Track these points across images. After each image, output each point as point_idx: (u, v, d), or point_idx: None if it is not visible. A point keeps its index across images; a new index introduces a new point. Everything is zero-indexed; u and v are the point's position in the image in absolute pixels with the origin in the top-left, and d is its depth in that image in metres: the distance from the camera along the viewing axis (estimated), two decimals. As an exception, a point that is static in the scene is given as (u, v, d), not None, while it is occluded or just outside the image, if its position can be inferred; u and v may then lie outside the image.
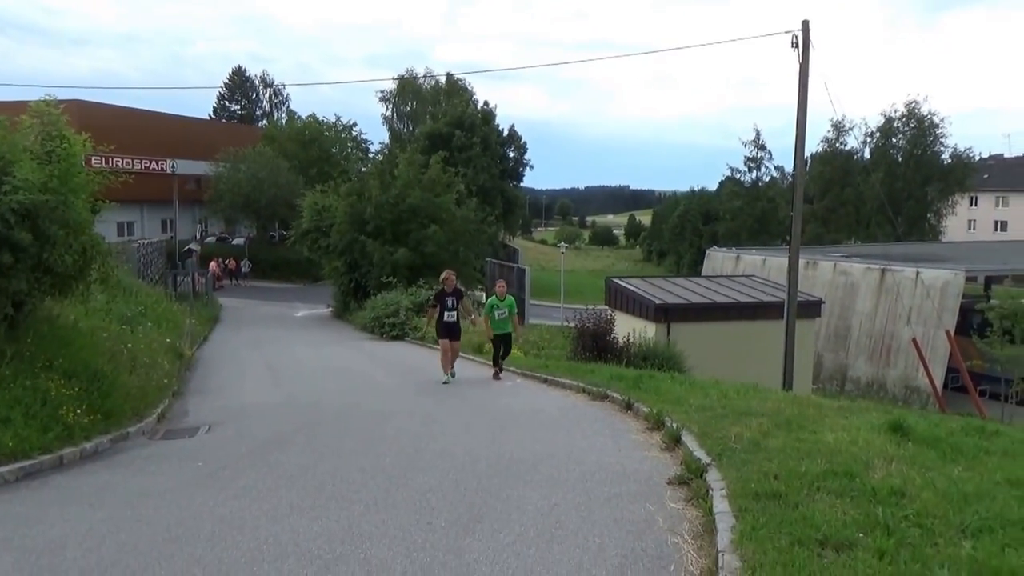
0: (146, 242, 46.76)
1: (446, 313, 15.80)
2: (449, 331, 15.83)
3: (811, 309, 26.58)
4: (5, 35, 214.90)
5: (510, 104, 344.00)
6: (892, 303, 36.06)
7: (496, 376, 16.16)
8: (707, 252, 54.74)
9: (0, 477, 8.98)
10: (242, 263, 64.57)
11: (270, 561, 6.11)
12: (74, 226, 11.77)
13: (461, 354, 18.15)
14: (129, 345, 15.52)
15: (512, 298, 16.54)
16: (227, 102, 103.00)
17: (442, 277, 16.27)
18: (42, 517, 7.59)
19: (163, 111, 71.62)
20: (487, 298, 19.10)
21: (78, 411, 10.94)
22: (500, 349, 16.39)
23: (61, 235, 11.42)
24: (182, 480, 8.92)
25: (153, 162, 63.02)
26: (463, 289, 17.12)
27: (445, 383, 15.46)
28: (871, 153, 79.74)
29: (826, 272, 40.12)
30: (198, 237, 71.50)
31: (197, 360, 22.53)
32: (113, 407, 11.94)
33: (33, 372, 11.22)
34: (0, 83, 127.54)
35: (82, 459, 10.26)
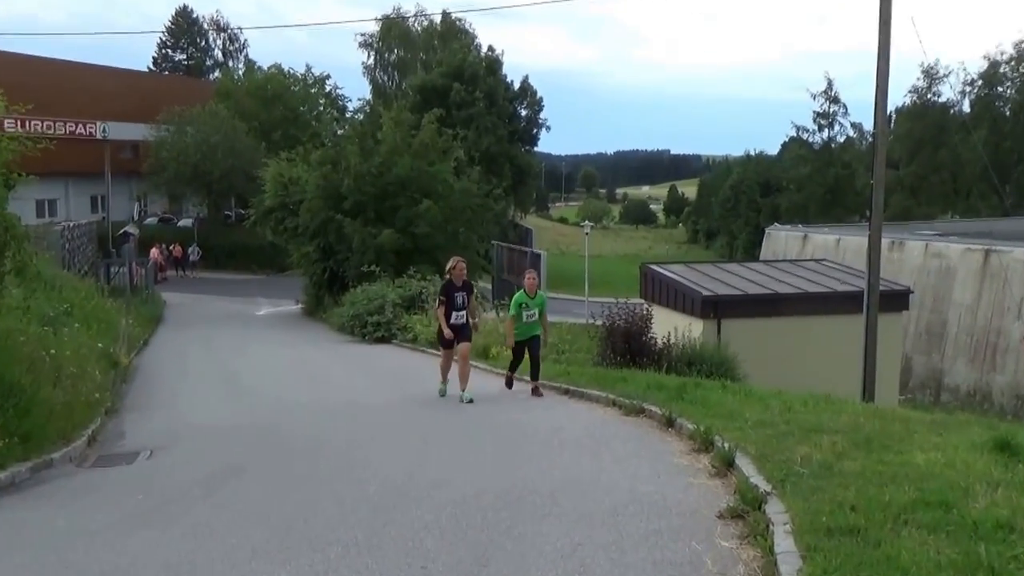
0: (72, 224, 46.87)
1: (454, 314, 15.27)
2: (456, 335, 15.30)
3: (897, 301, 26.49)
4: None
5: (521, 50, 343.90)
6: (999, 293, 35.78)
7: (508, 386, 16.12)
8: (767, 231, 54.72)
9: None
10: (190, 250, 64.78)
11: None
12: (-19, 205, 11.82)
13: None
14: (52, 351, 15.53)
15: (543, 295, 16.04)
16: (170, 51, 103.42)
17: (449, 266, 15.73)
18: (-54, 563, 7.64)
19: (92, 62, 71.86)
20: (493, 291, 19.09)
21: (-11, 433, 10.98)
22: (523, 356, 15.82)
23: (-35, 216, 11.48)
24: (119, 517, 8.96)
25: (80, 125, 63.22)
26: (472, 284, 16.39)
27: (441, 394, 15.50)
28: (972, 106, 78.97)
29: (915, 254, 39.96)
30: (136, 218, 71.82)
31: (136, 369, 22.58)
32: (33, 428, 11.95)
33: (-68, 386, 11.26)
34: None
35: (-5, 492, 10.32)
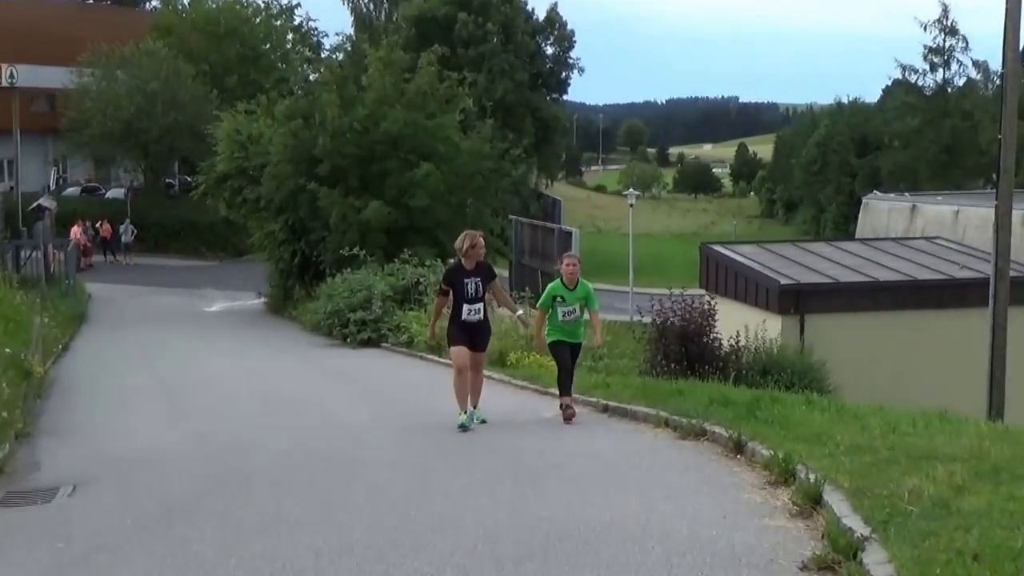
0: (-30, 197, 47.06)
1: (465, 307, 14.37)
2: (470, 336, 14.37)
3: (1033, 291, 26.38)
4: None
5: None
6: None
7: (567, 412, 14.53)
8: (864, 201, 54.61)
9: None
10: (122, 228, 64.80)
11: None
12: None
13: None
14: (-53, 359, 15.64)
15: (588, 286, 14.87)
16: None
17: (460, 243, 14.72)
18: None
19: (-4, -10, 72.02)
20: (511, 280, 18.94)
21: None
22: (571, 365, 14.92)
23: None
24: (33, 570, 9.00)
25: (-20, 69, 63.39)
26: (493, 266, 15.76)
27: (464, 428, 14.11)
28: None
29: (1057, 231, 39.78)
30: (52, 188, 71.91)
31: (54, 381, 22.64)
32: (-77, 456, 12.00)
33: None
34: None
35: None
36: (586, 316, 15.05)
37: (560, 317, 14.61)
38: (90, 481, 12.76)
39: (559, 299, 14.58)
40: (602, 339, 16.23)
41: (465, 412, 14.24)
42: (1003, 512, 7.69)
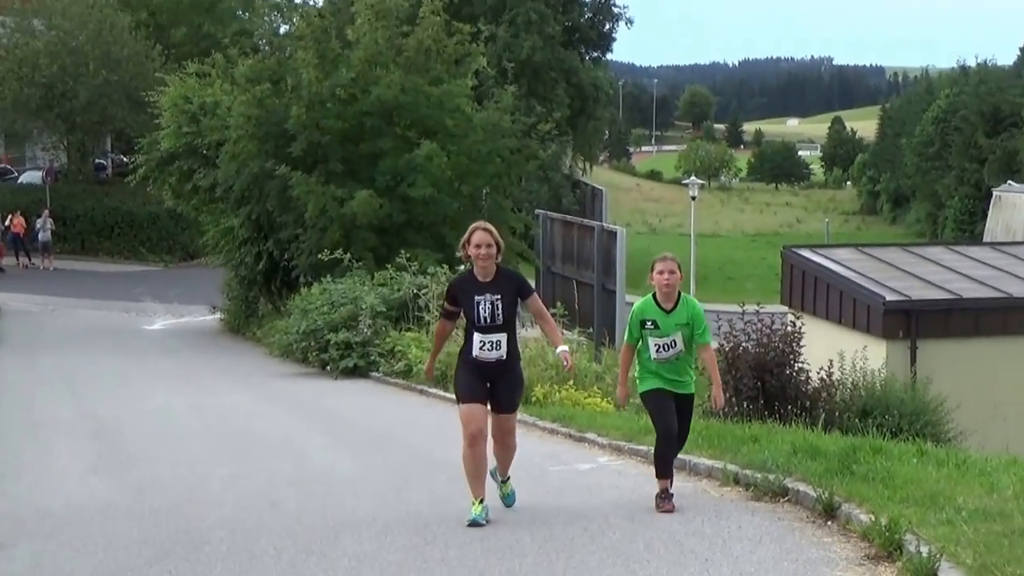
0: None
1: (476, 338, 12.17)
2: (488, 384, 12.31)
3: None
4: None
5: None
6: None
7: (664, 502, 12.50)
8: (995, 194, 54.58)
9: None
10: (39, 223, 64.90)
11: None
12: None
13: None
14: None
15: (695, 303, 12.84)
16: None
17: (465, 239, 12.38)
18: None
19: None
20: (538, 290, 18.37)
21: None
22: (673, 424, 12.65)
23: None
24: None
25: None
26: (519, 274, 13.58)
27: (476, 524, 12.00)
28: None
29: None
30: (-48, 171, 72.45)
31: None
32: None
33: None
34: None
35: None
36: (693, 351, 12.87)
37: (652, 353, 12.44)
38: (5, 545, 12.85)
39: (649, 325, 12.39)
40: (720, 394, 13.12)
41: (482, 501, 11.99)
42: None
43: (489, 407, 12.08)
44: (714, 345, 19.63)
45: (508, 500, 12.66)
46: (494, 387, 12.06)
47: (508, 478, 12.71)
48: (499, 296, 11.89)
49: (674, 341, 12.22)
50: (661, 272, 12.24)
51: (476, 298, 11.89)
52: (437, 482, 14.93)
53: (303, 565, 11.32)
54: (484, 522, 11.76)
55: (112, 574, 11.39)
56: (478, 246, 11.84)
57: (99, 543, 12.83)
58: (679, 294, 12.47)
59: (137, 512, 14.41)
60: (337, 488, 15.57)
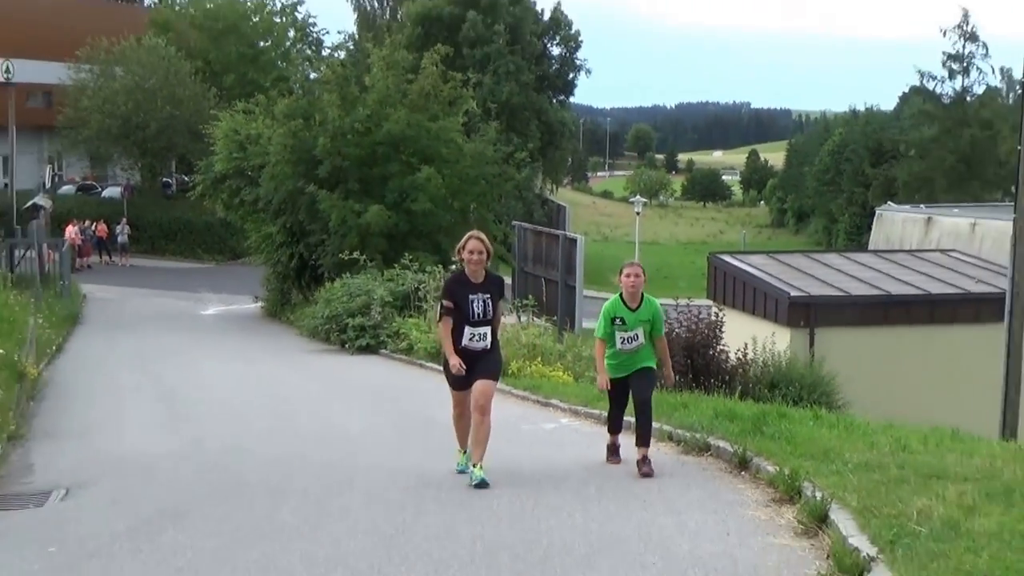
0: (-36, 194, 47.18)
1: (467, 331, 11.68)
2: (473, 365, 11.68)
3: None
4: None
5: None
6: None
7: (613, 456, 12.52)
8: (878, 212, 54.46)
9: None
10: (117, 228, 64.84)
11: None
12: None
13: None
14: (-63, 359, 15.69)
15: (656, 304, 12.41)
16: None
17: (460, 245, 11.98)
18: None
19: (-9, -18, 72.10)
20: (514, 289, 18.61)
21: None
22: (625, 401, 12.44)
23: None
24: (23, 575, 9.03)
25: (-25, 64, 63.49)
26: (501, 278, 12.63)
27: (462, 472, 11.90)
28: None
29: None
30: (48, 186, 71.96)
31: (47, 383, 22.65)
32: (-88, 457, 12.04)
33: None
34: None
35: None
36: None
37: (618, 345, 12.10)
38: (84, 485, 12.79)
39: (618, 322, 12.05)
40: (670, 373, 12.98)
41: (464, 451, 11.98)
42: (1014, 534, 7.71)
43: (474, 377, 11.49)
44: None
45: (477, 480, 11.39)
46: (479, 364, 11.51)
47: (479, 465, 11.54)
48: (488, 295, 11.60)
49: (637, 335, 11.92)
50: (628, 275, 12.02)
51: (471, 296, 11.51)
52: (431, 437, 14.89)
53: (325, 501, 11.30)
54: (462, 472, 11.65)
55: (172, 507, 11.35)
56: (472, 252, 11.50)
57: (162, 482, 12.81)
58: (643, 295, 12.11)
59: (192, 458, 14.39)
60: (352, 441, 15.53)
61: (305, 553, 9.06)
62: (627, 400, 12.28)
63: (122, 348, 30.63)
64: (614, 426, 12.61)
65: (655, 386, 12.70)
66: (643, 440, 11.96)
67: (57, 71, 67.35)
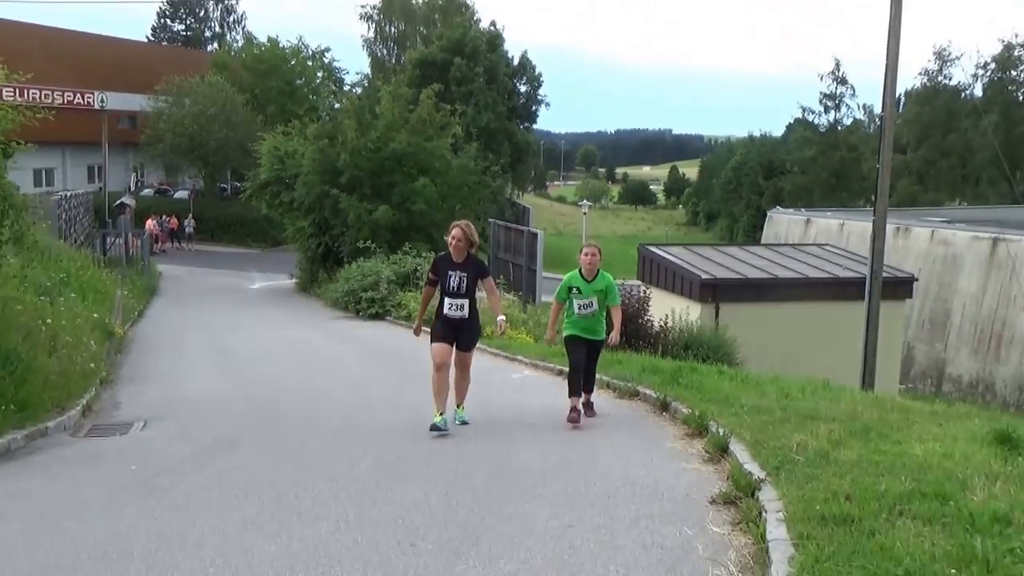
0: (69, 194, 46.84)
1: (447, 301, 11.19)
2: (453, 331, 11.27)
3: (900, 288, 26.51)
4: None
5: (519, 26, 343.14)
6: (1006, 282, 35.65)
7: (575, 416, 11.41)
8: (768, 214, 54.67)
9: None
10: (185, 221, 65.01)
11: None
12: (-21, 173, 11.82)
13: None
14: (48, 321, 15.58)
15: (609, 278, 11.72)
16: (169, 21, 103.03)
17: (448, 231, 11.44)
18: (-63, 531, 7.68)
19: (91, 32, 71.64)
20: (490, 270, 18.43)
21: (-16, 401, 11.02)
22: (584, 362, 11.63)
23: (-38, 184, 11.45)
24: (112, 487, 9.00)
25: (78, 95, 63.11)
26: (481, 262, 11.88)
27: (436, 429, 10.90)
28: (984, 90, 78.32)
29: (921, 241, 39.87)
30: (132, 189, 71.68)
31: (131, 340, 22.68)
32: (29, 397, 12.04)
33: (-72, 352, 11.29)
34: None
35: (-11, 460, 10.37)
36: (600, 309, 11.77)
37: (576, 310, 11.54)
38: (158, 418, 12.81)
39: (575, 291, 11.50)
40: (619, 337, 11.89)
41: (441, 414, 10.99)
42: (870, 463, 7.74)
43: (455, 348, 11.19)
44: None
45: (459, 419, 11.42)
46: (459, 334, 11.16)
47: (461, 407, 11.59)
48: (465, 274, 10.98)
49: (591, 302, 11.37)
50: (586, 254, 11.51)
51: (449, 272, 11.01)
52: (426, 383, 14.84)
53: (346, 429, 11.41)
54: (443, 428, 10.77)
55: (227, 434, 11.43)
56: (453, 237, 11.02)
57: (220, 416, 12.84)
58: (598, 271, 11.53)
59: (243, 399, 14.40)
60: (363, 385, 15.58)
61: (328, 473, 9.07)
62: (583, 355, 11.50)
63: (187, 313, 30.59)
64: (574, 389, 11.50)
65: (599, 355, 12.12)
66: (588, 389, 11.73)
67: (140, 101, 67.21)
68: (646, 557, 6.51)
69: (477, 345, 11.97)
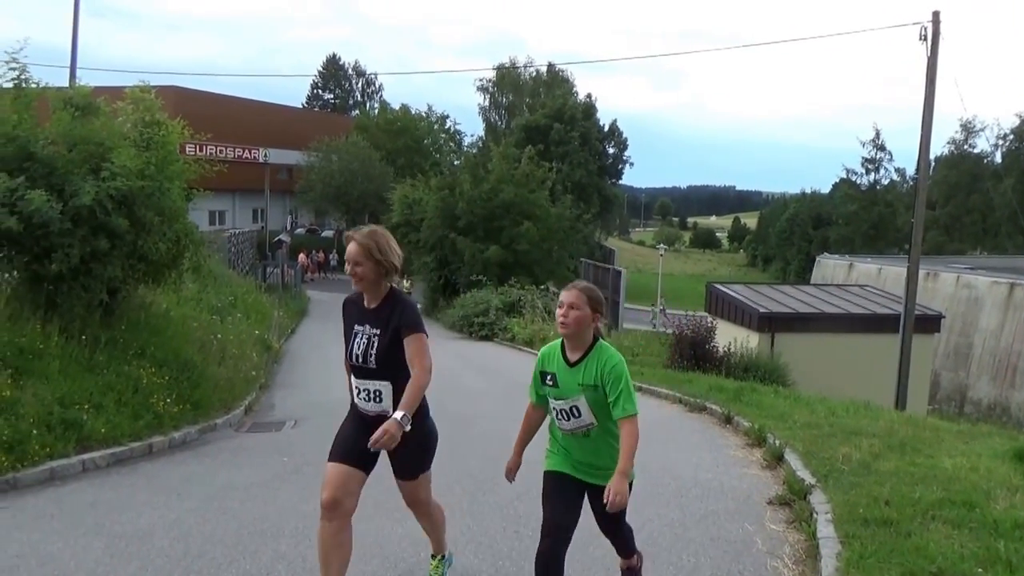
0: (237, 232, 48.06)
1: (353, 382, 5.83)
2: (367, 436, 5.27)
3: (929, 324, 25.83)
4: (104, 18, 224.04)
5: (610, 96, 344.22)
6: (1021, 321, 34.79)
7: None
8: (817, 259, 53.64)
9: (92, 463, 9.40)
10: (331, 256, 66.00)
11: (353, 561, 6.25)
12: (169, 214, 12.20)
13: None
14: (219, 336, 15.99)
15: (614, 358, 4.87)
16: (320, 91, 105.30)
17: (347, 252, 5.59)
18: (131, 504, 7.92)
19: (257, 99, 73.68)
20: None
21: (168, 400, 11.31)
22: (566, 513, 5.07)
23: (156, 222, 11.84)
24: (267, 474, 9.18)
25: (246, 151, 64.75)
26: (407, 299, 5.68)
27: None
28: (1003, 157, 77.12)
29: (947, 285, 38.90)
30: (288, 228, 73.24)
31: (284, 353, 23.06)
32: (202, 397, 12.31)
33: (126, 359, 11.63)
34: (98, 68, 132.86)
35: (170, 448, 10.63)
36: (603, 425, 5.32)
37: (556, 421, 5.31)
38: (306, 418, 13.01)
39: (549, 381, 5.26)
40: (621, 489, 5.00)
41: None
42: (906, 473, 7.57)
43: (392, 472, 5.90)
44: (669, 331, 18.92)
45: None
46: (363, 437, 5.52)
47: (441, 556, 5.94)
48: (379, 332, 5.41)
49: (576, 408, 5.03)
50: (560, 305, 4.97)
51: (355, 328, 5.58)
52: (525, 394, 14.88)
53: (458, 433, 11.38)
54: None
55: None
56: (349, 259, 5.38)
57: (355, 419, 13.00)
58: (594, 341, 4.96)
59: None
60: (473, 395, 15.62)
61: (445, 469, 9.12)
62: (571, 513, 5.09)
63: (331, 332, 30.97)
64: (546, 560, 4.80)
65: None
66: (624, 552, 5.69)
67: (296, 156, 68.63)
68: (714, 548, 6.44)
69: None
